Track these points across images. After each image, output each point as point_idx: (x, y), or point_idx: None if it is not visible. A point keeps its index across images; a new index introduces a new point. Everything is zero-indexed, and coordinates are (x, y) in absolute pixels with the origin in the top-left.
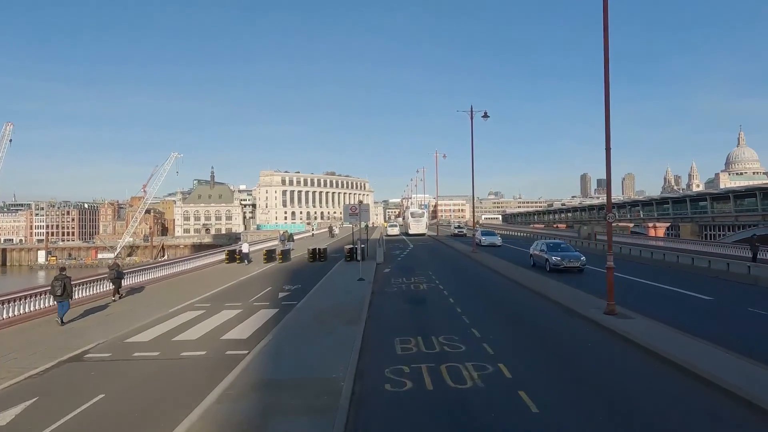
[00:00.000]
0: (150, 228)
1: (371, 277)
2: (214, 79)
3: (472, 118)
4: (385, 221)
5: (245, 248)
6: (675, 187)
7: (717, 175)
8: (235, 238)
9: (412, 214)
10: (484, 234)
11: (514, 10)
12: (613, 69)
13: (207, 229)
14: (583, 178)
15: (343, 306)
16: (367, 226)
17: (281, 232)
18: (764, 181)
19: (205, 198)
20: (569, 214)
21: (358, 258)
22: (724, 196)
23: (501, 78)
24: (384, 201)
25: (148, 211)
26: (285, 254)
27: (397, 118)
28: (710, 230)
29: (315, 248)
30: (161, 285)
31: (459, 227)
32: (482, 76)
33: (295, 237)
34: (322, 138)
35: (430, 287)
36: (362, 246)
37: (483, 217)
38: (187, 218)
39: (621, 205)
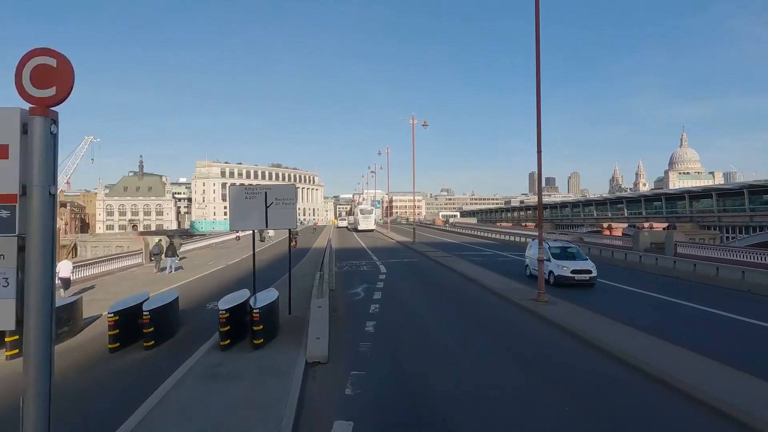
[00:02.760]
0: (66, 224)
1: None
2: (159, 68)
3: None
4: (335, 218)
5: (65, 270)
6: (622, 186)
7: (666, 173)
8: (163, 234)
9: (362, 211)
10: None
11: (465, 5)
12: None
13: (134, 226)
14: (532, 176)
15: None
16: (291, 235)
17: (155, 241)
18: (709, 181)
19: (132, 190)
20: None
21: (245, 344)
22: (737, 192)
23: (448, 76)
24: (335, 197)
25: (64, 205)
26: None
27: (348, 113)
28: (715, 231)
29: (130, 307)
30: None
31: (576, 256)
32: (429, 72)
33: (203, 243)
34: (270, 131)
35: None
36: (271, 303)
37: (440, 214)
38: (110, 213)
39: (601, 203)
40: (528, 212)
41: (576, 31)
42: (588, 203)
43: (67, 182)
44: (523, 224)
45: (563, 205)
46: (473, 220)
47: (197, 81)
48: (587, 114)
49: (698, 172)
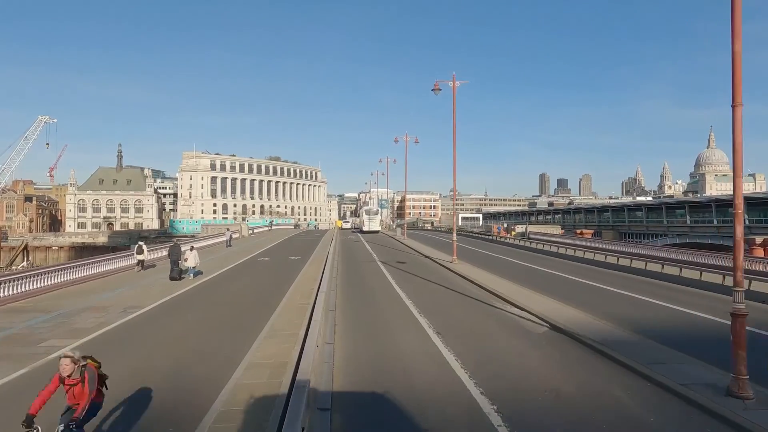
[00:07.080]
0: (31, 221)
1: None
2: (153, 66)
3: None
4: (339, 219)
5: None
6: (645, 188)
7: (702, 175)
8: (137, 236)
9: (367, 212)
10: None
11: (473, 10)
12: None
13: (110, 224)
14: (542, 178)
15: None
16: None
17: None
18: (750, 185)
19: (108, 184)
20: (598, 215)
21: None
22: None
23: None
24: (339, 195)
25: (29, 199)
26: None
27: (356, 113)
28: None
29: None
30: None
31: None
32: (438, 74)
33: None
34: (271, 129)
35: None
36: None
37: (460, 216)
38: (83, 209)
39: (699, 205)
40: (578, 216)
41: (583, 36)
42: (676, 206)
43: (50, 174)
44: (577, 232)
45: (635, 207)
46: (553, 229)
47: (195, 80)
48: (596, 116)
49: (724, 175)
